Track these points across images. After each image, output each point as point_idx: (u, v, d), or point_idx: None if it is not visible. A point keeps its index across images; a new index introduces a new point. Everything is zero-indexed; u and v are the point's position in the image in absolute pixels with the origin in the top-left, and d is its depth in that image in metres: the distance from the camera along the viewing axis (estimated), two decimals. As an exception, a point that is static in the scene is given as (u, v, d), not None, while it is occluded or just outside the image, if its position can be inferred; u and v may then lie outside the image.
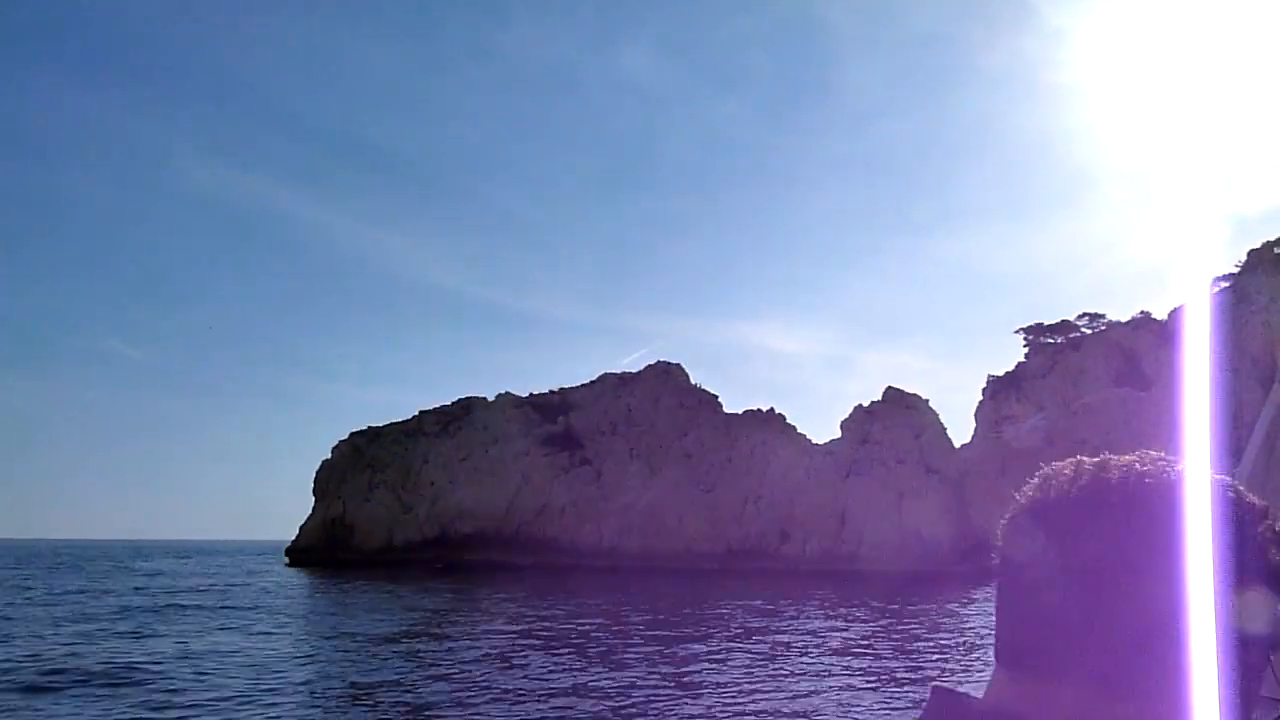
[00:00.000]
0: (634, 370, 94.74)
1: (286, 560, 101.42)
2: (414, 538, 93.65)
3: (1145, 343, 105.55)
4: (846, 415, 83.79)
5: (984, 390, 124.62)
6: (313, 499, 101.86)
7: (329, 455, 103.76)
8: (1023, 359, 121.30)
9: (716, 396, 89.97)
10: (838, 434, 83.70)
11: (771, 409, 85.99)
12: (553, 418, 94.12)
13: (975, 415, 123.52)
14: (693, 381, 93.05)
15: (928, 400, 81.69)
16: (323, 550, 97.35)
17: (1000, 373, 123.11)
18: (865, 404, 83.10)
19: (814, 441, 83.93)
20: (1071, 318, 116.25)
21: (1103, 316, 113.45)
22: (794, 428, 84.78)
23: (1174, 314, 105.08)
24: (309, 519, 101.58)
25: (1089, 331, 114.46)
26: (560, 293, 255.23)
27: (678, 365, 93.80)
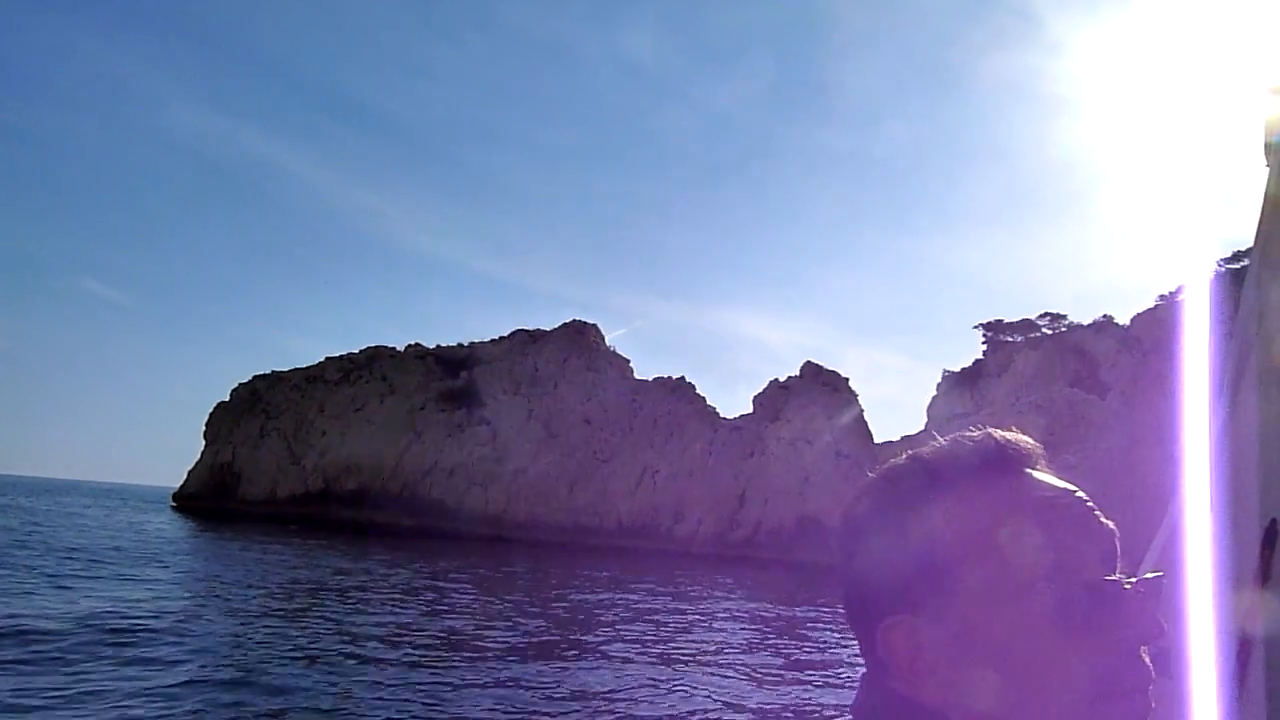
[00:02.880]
0: (546, 328, 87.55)
1: (173, 505, 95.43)
2: (297, 490, 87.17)
3: (1105, 348, 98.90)
4: (760, 389, 76.72)
5: (938, 385, 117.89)
6: (203, 443, 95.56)
7: (226, 398, 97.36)
8: (980, 356, 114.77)
9: (628, 361, 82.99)
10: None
11: (682, 378, 78.88)
12: (455, 372, 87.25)
13: (927, 410, 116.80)
14: (608, 344, 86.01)
15: (848, 379, 74.46)
16: (210, 498, 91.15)
17: (957, 369, 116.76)
18: (781, 379, 75.93)
19: (723, 416, 76.78)
20: (1033, 317, 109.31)
21: (1064, 317, 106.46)
22: (703, 399, 77.65)
23: (1136, 320, 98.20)
24: (197, 463, 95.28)
25: (1049, 332, 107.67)
26: (541, 263, 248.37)
27: (593, 325, 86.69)
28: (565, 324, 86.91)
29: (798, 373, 75.50)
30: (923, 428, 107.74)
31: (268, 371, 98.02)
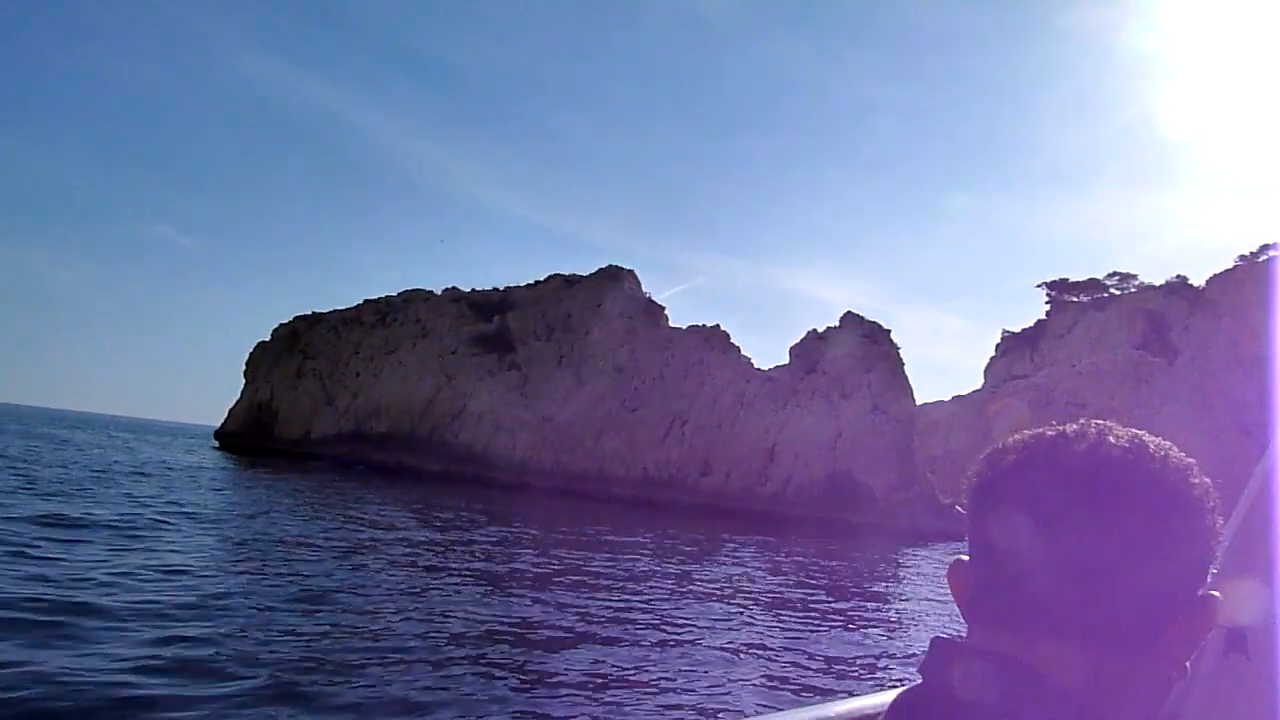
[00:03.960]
0: (583, 274, 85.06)
1: (215, 444, 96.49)
2: (329, 431, 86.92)
3: (1176, 310, 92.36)
4: (797, 340, 73.19)
5: (997, 346, 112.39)
6: (243, 381, 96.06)
7: (267, 338, 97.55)
8: (1043, 317, 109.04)
9: (663, 308, 79.94)
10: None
11: (717, 325, 75.72)
12: (489, 316, 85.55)
13: (984, 371, 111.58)
14: (645, 290, 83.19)
15: (889, 331, 70.23)
16: (249, 436, 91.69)
17: (1017, 329, 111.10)
18: (820, 329, 72.27)
19: (757, 367, 73.55)
20: (1100, 276, 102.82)
21: (1134, 277, 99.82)
22: (738, 349, 74.37)
23: (1212, 282, 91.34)
24: (237, 402, 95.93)
25: (1117, 293, 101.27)
26: (600, 220, 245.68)
27: (630, 271, 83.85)
28: (601, 269, 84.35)
29: (836, 323, 71.70)
30: (977, 389, 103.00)
31: (308, 312, 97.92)
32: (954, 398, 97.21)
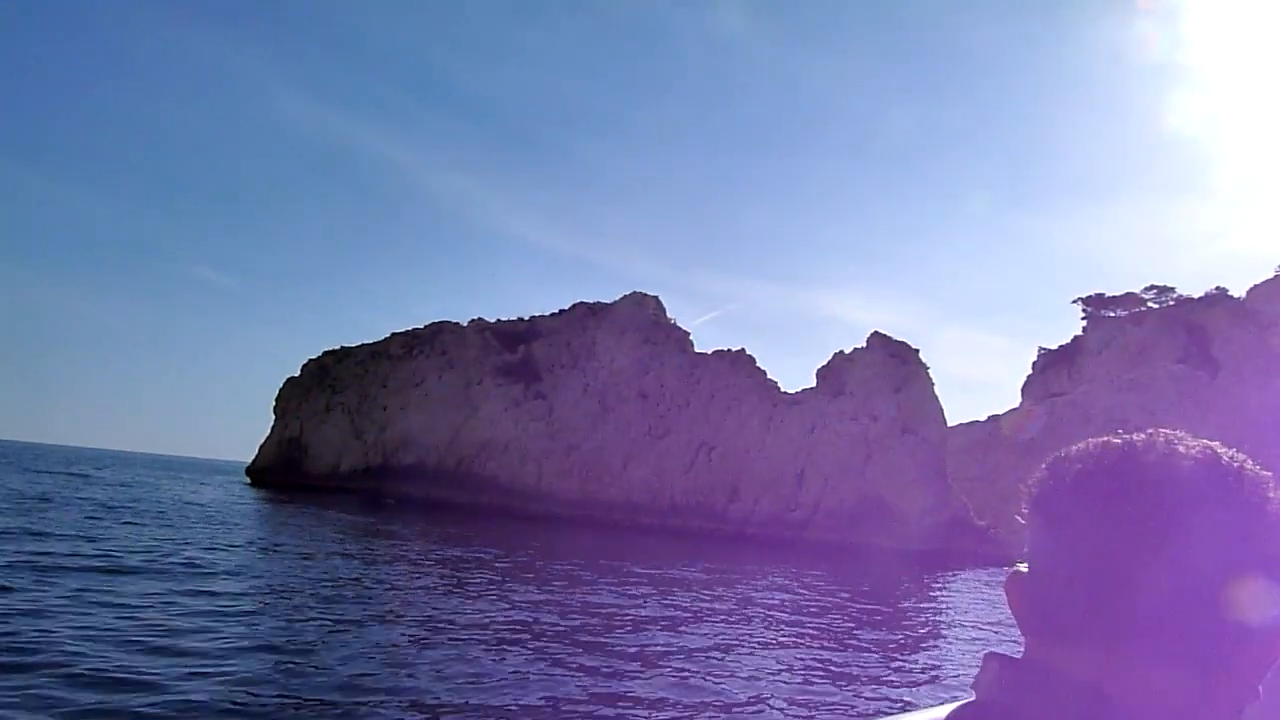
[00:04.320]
0: (607, 301, 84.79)
1: (248, 480, 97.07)
2: (359, 465, 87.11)
3: (1218, 322, 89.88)
4: (824, 362, 72.11)
5: (1034, 364, 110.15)
6: (273, 417, 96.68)
7: (297, 373, 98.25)
8: (1080, 333, 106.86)
9: (688, 334, 79.35)
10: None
11: (742, 350, 74.90)
12: (514, 346, 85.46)
13: (1022, 390, 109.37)
14: (670, 316, 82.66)
15: (918, 351, 68.91)
16: (279, 472, 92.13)
17: (1054, 346, 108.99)
18: (846, 350, 71.16)
19: (784, 390, 72.55)
20: (1138, 290, 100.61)
21: (1172, 290, 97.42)
22: (764, 372, 73.46)
23: (1253, 292, 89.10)
24: (267, 438, 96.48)
25: (1155, 306, 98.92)
26: (635, 249, 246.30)
27: (654, 297, 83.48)
28: (625, 296, 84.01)
29: (863, 344, 70.58)
30: (1013, 407, 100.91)
31: (336, 347, 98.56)
32: (989, 417, 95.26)
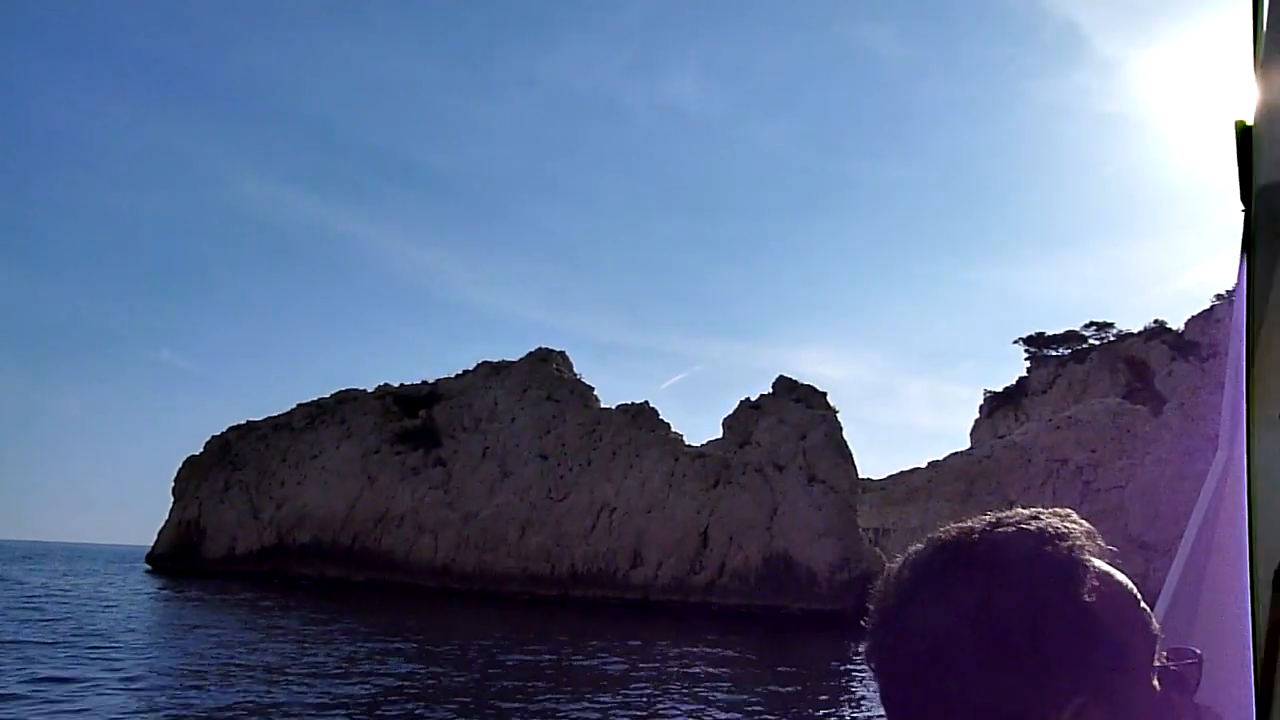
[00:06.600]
0: (512, 359, 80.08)
1: (148, 567, 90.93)
2: (254, 546, 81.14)
3: (1159, 355, 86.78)
4: (730, 411, 67.34)
5: (980, 407, 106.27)
6: (171, 499, 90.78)
7: (199, 451, 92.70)
8: (1024, 373, 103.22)
9: (592, 389, 74.55)
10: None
11: (645, 403, 70.07)
12: (414, 411, 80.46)
13: (970, 435, 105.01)
14: (575, 371, 77.98)
15: (825, 394, 64.25)
16: (177, 557, 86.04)
17: (999, 388, 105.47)
18: (753, 398, 66.43)
19: (689, 444, 67.56)
20: (1077, 327, 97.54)
21: (1111, 326, 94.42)
22: (667, 425, 68.55)
23: (1191, 323, 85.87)
24: (166, 521, 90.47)
25: (1096, 342, 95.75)
26: (600, 312, 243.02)
27: (560, 353, 78.87)
28: (530, 353, 79.42)
29: (769, 389, 65.94)
30: (954, 452, 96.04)
31: (242, 421, 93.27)
32: (930, 463, 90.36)
